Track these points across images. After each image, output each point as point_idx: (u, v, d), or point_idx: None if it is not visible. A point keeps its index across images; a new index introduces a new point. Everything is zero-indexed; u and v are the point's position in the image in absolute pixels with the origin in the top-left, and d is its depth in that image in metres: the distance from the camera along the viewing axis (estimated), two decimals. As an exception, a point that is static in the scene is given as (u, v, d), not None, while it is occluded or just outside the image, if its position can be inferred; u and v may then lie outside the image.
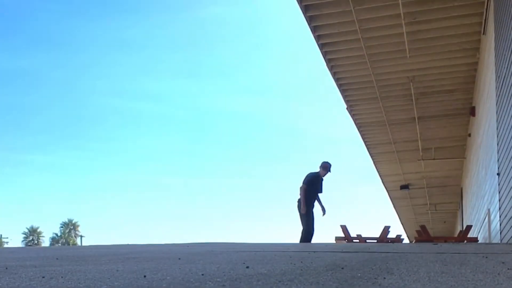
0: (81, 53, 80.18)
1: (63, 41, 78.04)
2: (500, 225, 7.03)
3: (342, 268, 2.06)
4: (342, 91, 10.70)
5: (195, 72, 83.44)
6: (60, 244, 57.92)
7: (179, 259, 2.73)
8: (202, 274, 1.93)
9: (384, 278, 1.77)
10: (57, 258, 2.94)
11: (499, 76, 6.74)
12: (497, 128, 7.04)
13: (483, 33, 8.27)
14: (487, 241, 8.76)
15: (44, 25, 78.38)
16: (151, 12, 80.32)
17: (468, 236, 9.27)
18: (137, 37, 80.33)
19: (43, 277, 1.92)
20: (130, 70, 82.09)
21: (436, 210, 19.09)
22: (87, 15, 76.04)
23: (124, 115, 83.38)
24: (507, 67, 6.09)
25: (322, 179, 8.35)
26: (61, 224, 65.01)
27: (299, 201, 8.20)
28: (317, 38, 8.74)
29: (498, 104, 6.92)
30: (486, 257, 2.62)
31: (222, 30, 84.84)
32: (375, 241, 8.59)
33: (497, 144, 7.03)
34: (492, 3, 7.32)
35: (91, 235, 76.49)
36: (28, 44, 77.74)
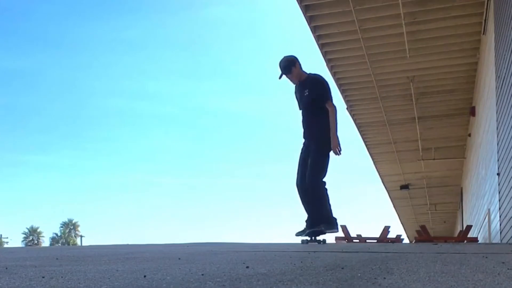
0: (81, 53, 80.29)
1: (63, 41, 78.14)
2: (500, 225, 7.03)
3: (342, 268, 2.06)
4: (342, 91, 10.70)
5: (195, 72, 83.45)
6: (60, 244, 57.87)
7: (179, 259, 2.73)
8: (202, 274, 1.93)
9: (384, 278, 1.77)
10: (57, 258, 2.94)
11: (499, 76, 6.73)
12: (497, 128, 7.04)
13: (483, 33, 8.26)
14: (487, 241, 8.75)
15: (44, 25, 78.35)
16: (151, 12, 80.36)
17: (468, 236, 9.27)
18: (137, 37, 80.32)
19: (43, 277, 1.92)
20: (130, 70, 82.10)
21: (436, 210, 19.08)
22: (87, 15, 76.04)
23: (124, 115, 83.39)
24: (507, 67, 6.08)
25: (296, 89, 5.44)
26: (61, 224, 65.06)
27: (318, 133, 5.18)
28: (317, 38, 8.74)
29: (498, 104, 6.91)
30: (486, 257, 2.62)
31: (222, 30, 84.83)
32: (375, 241, 8.58)
33: (497, 144, 7.03)
34: (492, 3, 7.32)
35: (91, 235, 76.49)
36: (27, 44, 77.76)
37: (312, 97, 5.19)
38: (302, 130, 5.32)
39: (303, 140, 5.34)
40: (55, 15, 77.03)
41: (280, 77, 5.27)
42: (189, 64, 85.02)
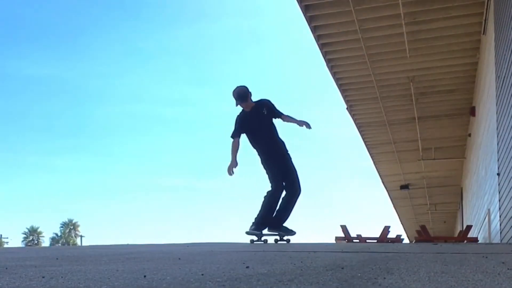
0: (81, 59, 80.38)
1: (68, 49, 78.39)
2: (500, 225, 7.03)
3: (342, 268, 2.06)
4: (342, 91, 10.70)
5: (196, 78, 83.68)
6: (60, 244, 57.88)
7: (179, 259, 2.73)
8: (202, 274, 1.93)
9: (384, 278, 1.77)
10: (57, 258, 2.94)
11: (499, 76, 6.74)
12: (497, 128, 7.04)
13: (483, 33, 8.26)
14: (487, 241, 8.75)
15: (59, 34, 78.68)
16: (155, 22, 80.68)
17: (468, 236, 9.27)
18: (134, 44, 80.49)
19: (43, 277, 1.92)
20: (132, 75, 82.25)
21: (436, 210, 19.08)
22: (101, 24, 76.38)
23: (124, 116, 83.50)
24: (507, 67, 6.09)
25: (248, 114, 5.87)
26: (61, 224, 65.05)
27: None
28: (317, 38, 8.74)
29: (498, 104, 6.92)
30: (486, 257, 2.62)
31: (223, 35, 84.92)
32: (375, 241, 8.58)
33: (497, 144, 7.03)
34: (492, 3, 7.32)
35: (91, 235, 76.50)
36: (31, 52, 78.00)
37: (271, 114, 5.92)
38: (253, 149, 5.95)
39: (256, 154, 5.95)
40: (71, 24, 77.38)
41: (237, 105, 5.83)
42: (190, 71, 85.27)
